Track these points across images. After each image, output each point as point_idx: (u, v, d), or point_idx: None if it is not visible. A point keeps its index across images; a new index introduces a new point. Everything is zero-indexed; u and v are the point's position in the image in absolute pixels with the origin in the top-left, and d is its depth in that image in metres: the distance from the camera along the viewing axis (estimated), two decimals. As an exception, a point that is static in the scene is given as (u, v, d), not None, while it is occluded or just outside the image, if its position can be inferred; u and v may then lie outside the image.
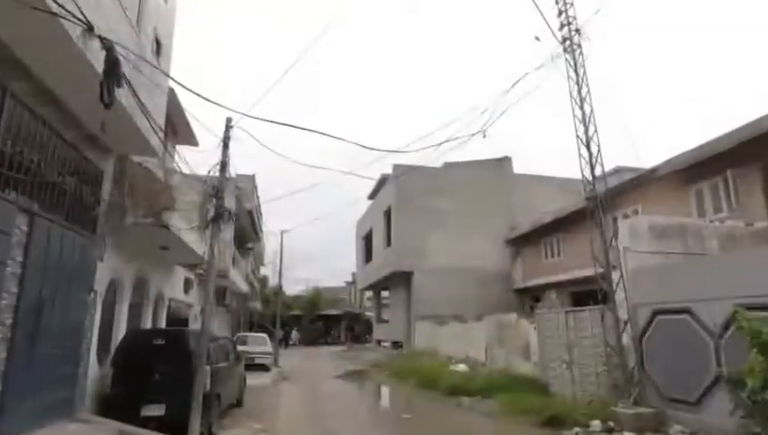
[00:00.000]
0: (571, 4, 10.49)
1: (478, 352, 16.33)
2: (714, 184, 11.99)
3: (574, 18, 10.44)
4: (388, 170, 25.98)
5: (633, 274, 9.32)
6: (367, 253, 33.66)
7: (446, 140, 10.31)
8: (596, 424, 8.31)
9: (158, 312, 11.87)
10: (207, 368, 7.41)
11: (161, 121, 8.10)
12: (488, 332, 15.95)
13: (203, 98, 6.14)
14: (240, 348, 14.54)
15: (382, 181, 28.36)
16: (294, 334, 40.96)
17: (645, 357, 8.95)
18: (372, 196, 32.01)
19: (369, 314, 44.12)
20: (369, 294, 41.83)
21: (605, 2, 10.99)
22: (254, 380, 13.72)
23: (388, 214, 26.86)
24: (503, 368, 14.01)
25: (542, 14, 10.09)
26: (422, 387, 13.95)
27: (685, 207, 12.60)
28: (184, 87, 6.24)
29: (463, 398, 11.70)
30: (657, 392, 8.55)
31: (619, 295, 9.40)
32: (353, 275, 44.93)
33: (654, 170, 13.20)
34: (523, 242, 23.29)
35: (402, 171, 23.44)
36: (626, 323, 9.21)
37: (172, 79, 8.17)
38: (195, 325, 13.47)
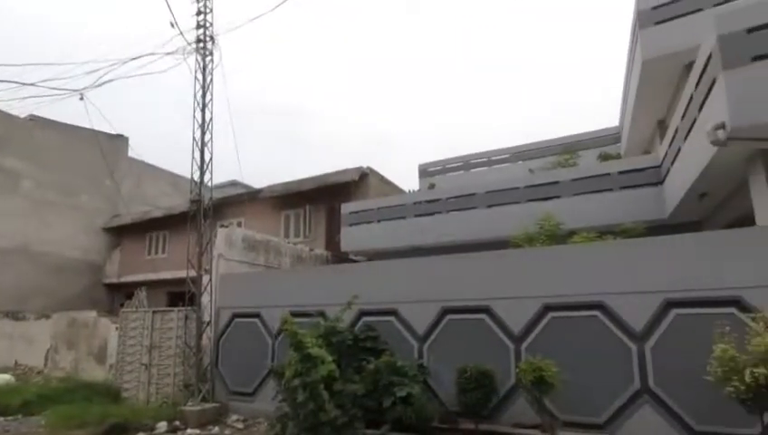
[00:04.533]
0: (211, 11, 10.79)
1: (37, 357, 13.50)
2: (297, 213, 15.17)
3: (211, 24, 10.77)
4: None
5: (222, 279, 10.23)
6: None
7: (34, 84, 8.47)
8: (162, 425, 8.40)
9: None
10: None
11: None
12: (56, 332, 13.48)
13: None
14: None
15: None
16: None
17: (220, 357, 9.90)
18: None
19: None
20: None
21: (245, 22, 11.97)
22: None
23: None
24: (68, 375, 12.13)
25: (170, 9, 9.93)
26: None
27: (277, 227, 15.22)
28: None
29: (-5, 420, 9.31)
30: (226, 388, 9.58)
31: (206, 298, 10.08)
32: None
33: (259, 191, 15.32)
34: (126, 233, 21.21)
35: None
36: (208, 324, 9.96)
37: None
38: None
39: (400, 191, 16.50)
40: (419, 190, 17.03)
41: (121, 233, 21.35)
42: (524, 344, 6.74)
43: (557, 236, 9.16)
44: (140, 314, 11.24)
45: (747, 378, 4.54)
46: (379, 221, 13.17)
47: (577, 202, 10.62)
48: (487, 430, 6.42)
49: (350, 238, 13.52)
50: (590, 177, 10.81)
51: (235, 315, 9.87)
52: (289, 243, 13.09)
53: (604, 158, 14.43)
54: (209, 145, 10.56)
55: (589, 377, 6.16)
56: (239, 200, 15.83)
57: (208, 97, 10.64)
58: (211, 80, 10.71)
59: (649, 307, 6.02)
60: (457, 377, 6.62)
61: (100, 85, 11.29)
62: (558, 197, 10.95)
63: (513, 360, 6.73)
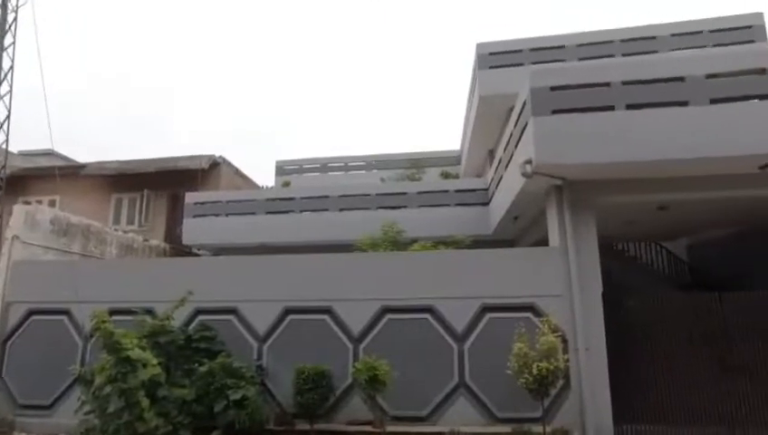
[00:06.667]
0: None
1: None
2: (133, 198, 13.43)
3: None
4: None
5: (16, 266, 8.42)
6: None
7: None
8: None
9: None
10: None
11: None
12: None
13: None
14: None
15: None
16: None
17: (6, 362, 8.08)
18: None
19: None
20: None
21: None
22: None
23: None
24: None
25: None
26: None
27: (105, 210, 13.23)
28: None
29: None
30: (12, 401, 7.85)
31: (-10, 290, 8.17)
32: None
33: (82, 167, 13.09)
34: None
35: None
36: (-12, 322, 8.08)
37: None
38: None
39: (256, 186, 15.85)
40: (273, 187, 16.61)
41: None
42: (363, 345, 7.07)
43: (399, 243, 9.87)
44: None
45: (534, 371, 5.61)
46: (227, 215, 12.44)
47: (421, 213, 11.63)
48: (322, 430, 6.56)
49: (194, 231, 12.49)
50: (432, 191, 11.96)
51: (33, 312, 8.20)
52: (118, 231, 11.44)
53: (445, 176, 16.10)
54: (6, 99, 8.67)
55: (418, 374, 6.76)
56: (52, 174, 13.24)
57: (9, 40, 8.75)
58: (15, 18, 8.83)
59: (469, 311, 6.91)
60: (295, 378, 6.61)
61: None
62: (405, 207, 11.84)
63: (351, 360, 7.00)
